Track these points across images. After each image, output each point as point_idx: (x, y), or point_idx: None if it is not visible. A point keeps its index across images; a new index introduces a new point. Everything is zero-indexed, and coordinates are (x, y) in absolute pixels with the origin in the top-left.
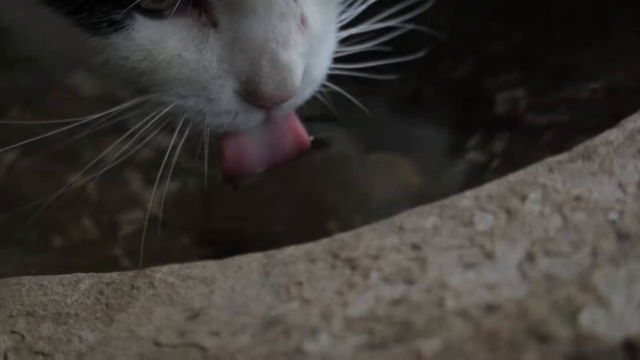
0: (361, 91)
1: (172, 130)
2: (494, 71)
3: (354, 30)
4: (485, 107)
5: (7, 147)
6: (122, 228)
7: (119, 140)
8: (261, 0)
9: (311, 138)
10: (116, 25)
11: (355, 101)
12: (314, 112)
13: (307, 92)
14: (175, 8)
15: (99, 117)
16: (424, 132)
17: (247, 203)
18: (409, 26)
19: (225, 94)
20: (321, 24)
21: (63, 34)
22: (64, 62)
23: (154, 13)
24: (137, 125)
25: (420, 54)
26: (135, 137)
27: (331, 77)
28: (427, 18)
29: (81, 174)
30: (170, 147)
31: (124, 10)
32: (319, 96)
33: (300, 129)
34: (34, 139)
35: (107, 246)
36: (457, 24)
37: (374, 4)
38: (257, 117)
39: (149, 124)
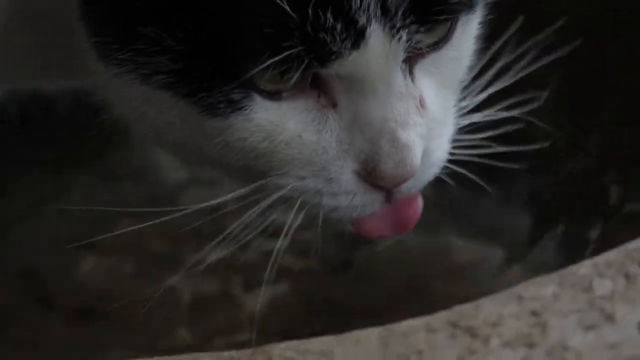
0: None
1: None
2: None
3: (474, 118)
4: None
5: None
6: None
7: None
8: (380, 80)
9: None
10: (235, 105)
11: (480, 182)
12: None
13: (427, 175)
14: (294, 89)
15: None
16: None
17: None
18: (529, 119)
19: (345, 175)
20: (439, 108)
21: (181, 121)
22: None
23: (273, 94)
24: (249, 213)
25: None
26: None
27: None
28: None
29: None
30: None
31: (243, 90)
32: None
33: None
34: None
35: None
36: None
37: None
38: (375, 199)
39: (261, 209)
